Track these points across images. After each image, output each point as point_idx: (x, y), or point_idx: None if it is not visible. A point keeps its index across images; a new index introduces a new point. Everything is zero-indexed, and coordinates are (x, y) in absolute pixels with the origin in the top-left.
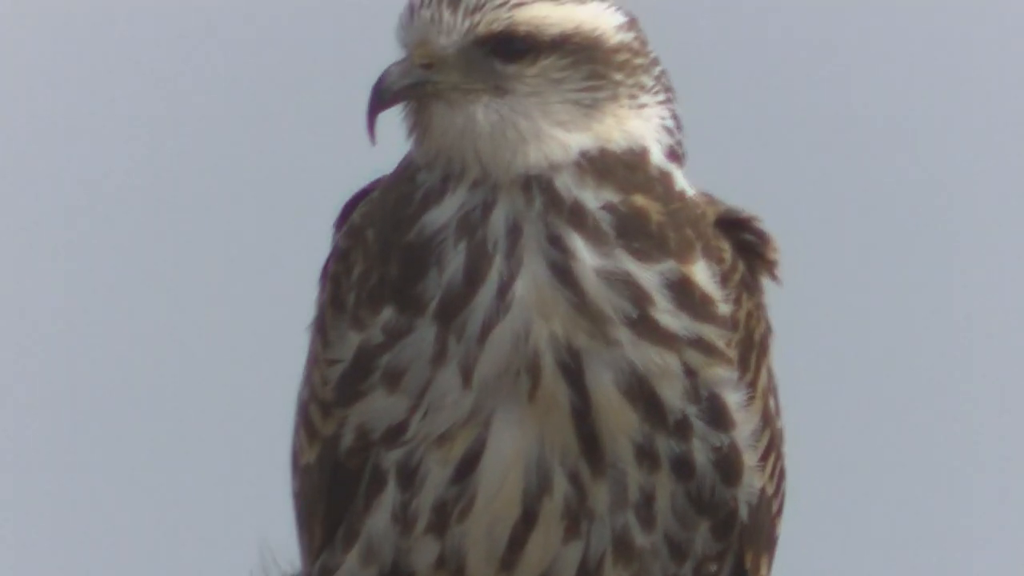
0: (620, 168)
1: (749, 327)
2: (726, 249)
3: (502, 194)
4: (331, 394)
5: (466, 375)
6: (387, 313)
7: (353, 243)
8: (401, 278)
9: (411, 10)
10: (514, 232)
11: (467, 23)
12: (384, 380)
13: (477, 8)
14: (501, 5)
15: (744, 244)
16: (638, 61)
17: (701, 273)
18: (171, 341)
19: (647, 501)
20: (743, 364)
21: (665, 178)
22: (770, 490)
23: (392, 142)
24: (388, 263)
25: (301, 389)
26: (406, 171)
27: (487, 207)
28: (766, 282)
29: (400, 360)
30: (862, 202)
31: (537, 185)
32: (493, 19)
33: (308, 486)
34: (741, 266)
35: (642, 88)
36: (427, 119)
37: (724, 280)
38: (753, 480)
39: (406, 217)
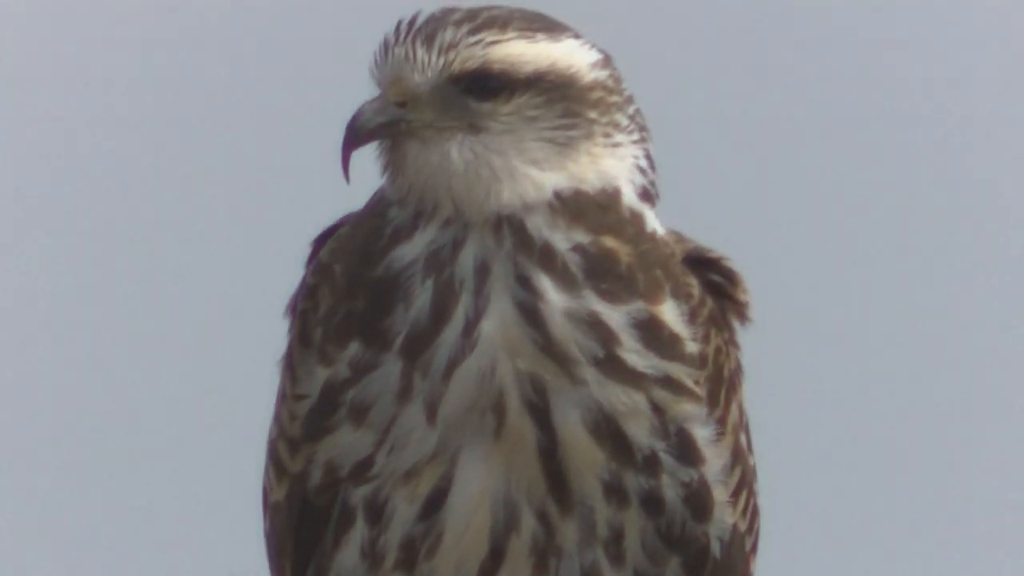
0: (592, 209)
1: (718, 363)
2: (694, 285)
3: (472, 232)
4: (299, 430)
5: (431, 412)
6: (353, 348)
7: (321, 279)
8: (368, 312)
9: (385, 48)
10: (482, 271)
11: (441, 61)
12: (350, 415)
13: (451, 46)
14: (475, 43)
15: (713, 284)
16: (613, 99)
17: (670, 312)
18: (145, 375)
19: (616, 538)
20: (712, 400)
21: (636, 219)
22: (743, 526)
23: (366, 177)
24: (355, 298)
25: (271, 427)
26: (377, 206)
27: (456, 245)
28: (736, 323)
29: (366, 395)
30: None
31: (508, 225)
32: (468, 57)
33: (278, 524)
34: (709, 302)
35: (616, 127)
36: (401, 157)
37: (692, 317)
38: (724, 516)
39: (375, 252)
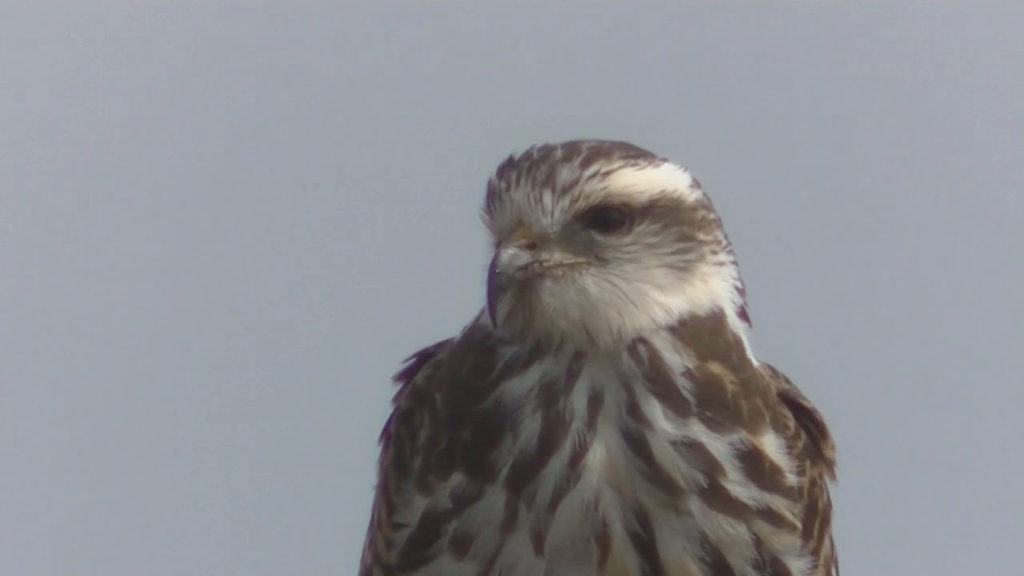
0: (704, 333)
1: (813, 495)
2: (790, 418)
3: (589, 364)
4: (396, 558)
5: (538, 542)
6: (456, 479)
7: (417, 406)
8: (473, 444)
9: (500, 192)
10: (594, 402)
11: (567, 200)
12: (452, 546)
13: (573, 183)
14: (592, 177)
15: (804, 428)
16: (712, 216)
17: (770, 444)
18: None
19: None
20: (807, 532)
21: (738, 345)
22: None
23: None
24: (460, 428)
25: (364, 552)
26: (483, 341)
27: (571, 376)
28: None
29: (469, 526)
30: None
31: (643, 348)
32: (590, 193)
33: None
34: (803, 435)
35: (719, 245)
36: (534, 298)
37: (790, 449)
38: None
39: (484, 385)
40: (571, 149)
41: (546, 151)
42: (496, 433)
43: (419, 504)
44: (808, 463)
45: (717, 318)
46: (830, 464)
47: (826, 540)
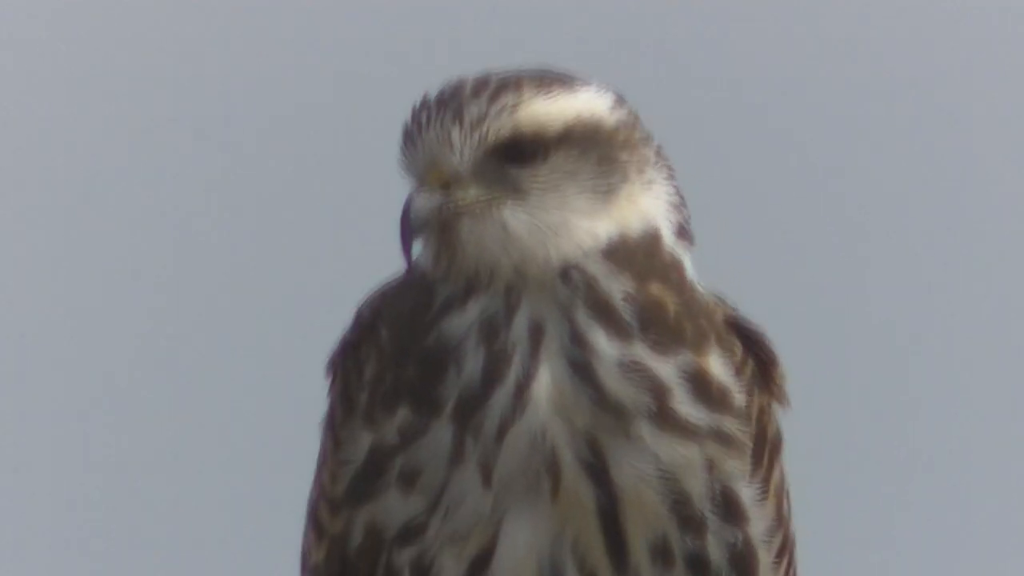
0: (639, 254)
1: (761, 422)
2: (737, 344)
3: (527, 296)
4: (341, 493)
5: (485, 475)
6: (402, 414)
7: (362, 338)
8: (418, 380)
9: (412, 135)
10: (536, 332)
11: (476, 137)
12: (399, 481)
13: (480, 119)
14: (501, 111)
15: (754, 356)
16: (638, 136)
17: (716, 364)
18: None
19: None
20: (756, 459)
21: (677, 265)
22: None
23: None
24: (404, 366)
25: (312, 488)
26: (421, 280)
27: (510, 310)
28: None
29: (416, 461)
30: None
31: (576, 275)
32: (499, 127)
33: None
34: (752, 363)
35: (647, 162)
36: (453, 237)
37: (737, 372)
38: None
39: (424, 323)
40: (480, 83)
41: (456, 88)
42: (440, 368)
43: (365, 440)
44: (756, 390)
45: (652, 238)
46: (780, 391)
47: (776, 469)
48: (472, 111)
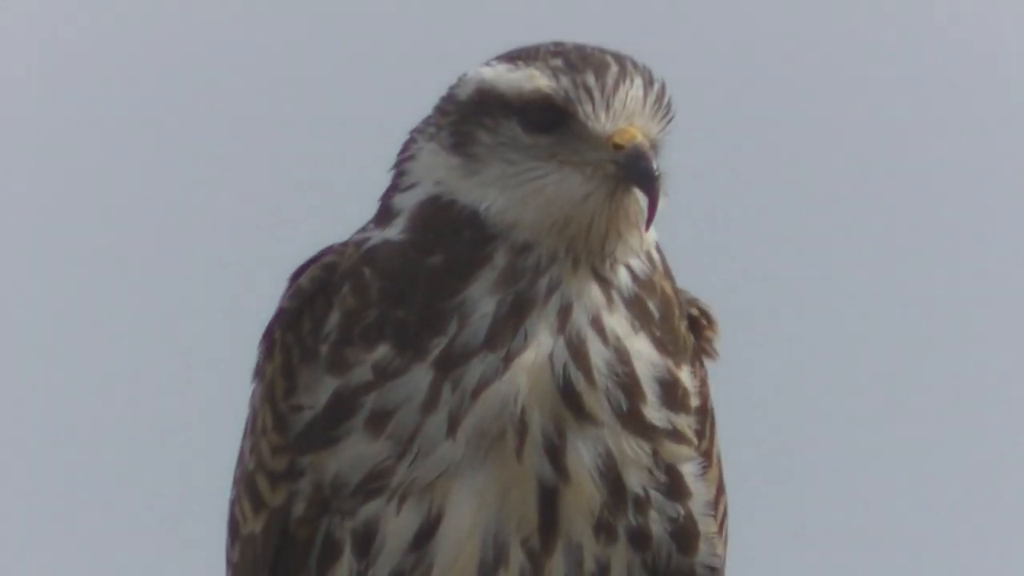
0: (658, 255)
1: (703, 394)
2: (689, 335)
3: (575, 278)
4: (293, 441)
5: (453, 425)
6: (382, 351)
7: (312, 300)
8: (413, 322)
9: (608, 87)
10: (563, 313)
11: (664, 115)
12: (368, 422)
13: (662, 97)
14: (668, 97)
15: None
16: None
17: (686, 371)
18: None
19: (602, 572)
20: (700, 434)
21: (668, 266)
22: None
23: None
24: (397, 305)
25: (242, 463)
26: (466, 230)
27: (550, 290)
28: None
29: (389, 400)
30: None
31: (622, 268)
32: (671, 113)
33: (249, 556)
34: (692, 337)
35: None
36: (630, 203)
37: (692, 367)
38: (716, 547)
39: (453, 274)
40: (628, 59)
41: (634, 62)
42: (441, 316)
43: (328, 384)
44: (698, 364)
45: (656, 240)
46: (710, 347)
47: (716, 440)
48: (659, 89)
